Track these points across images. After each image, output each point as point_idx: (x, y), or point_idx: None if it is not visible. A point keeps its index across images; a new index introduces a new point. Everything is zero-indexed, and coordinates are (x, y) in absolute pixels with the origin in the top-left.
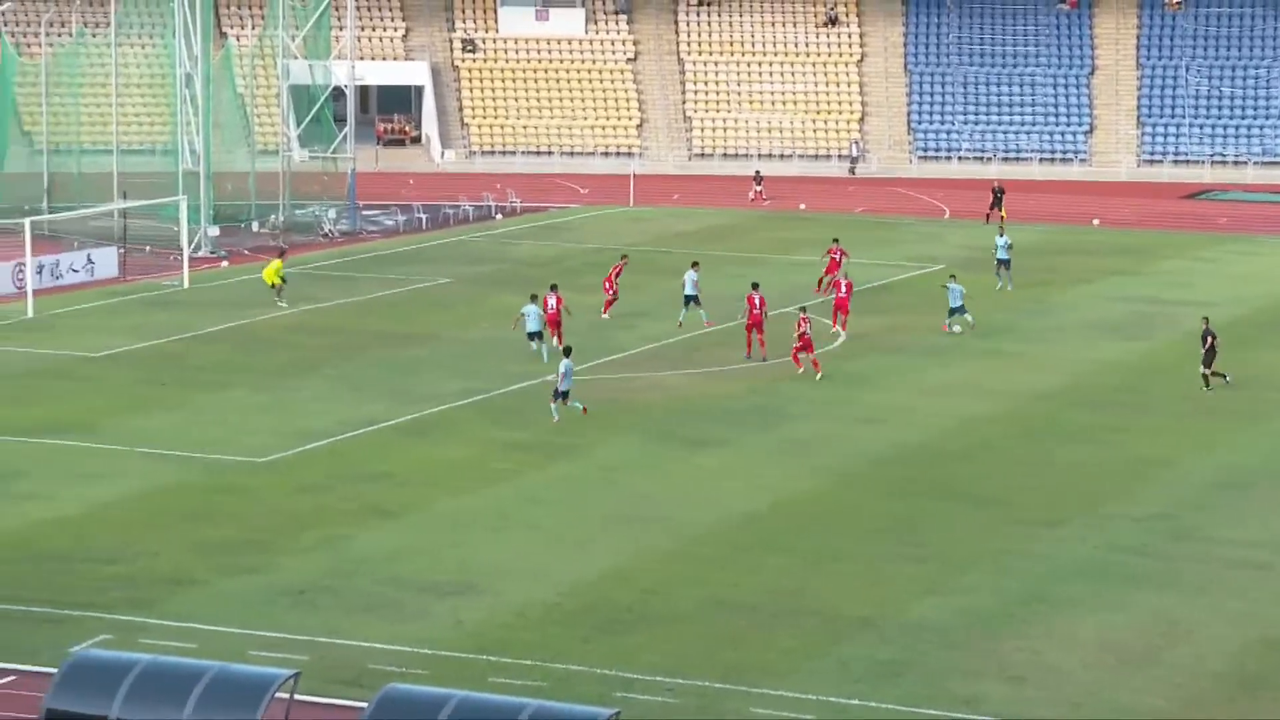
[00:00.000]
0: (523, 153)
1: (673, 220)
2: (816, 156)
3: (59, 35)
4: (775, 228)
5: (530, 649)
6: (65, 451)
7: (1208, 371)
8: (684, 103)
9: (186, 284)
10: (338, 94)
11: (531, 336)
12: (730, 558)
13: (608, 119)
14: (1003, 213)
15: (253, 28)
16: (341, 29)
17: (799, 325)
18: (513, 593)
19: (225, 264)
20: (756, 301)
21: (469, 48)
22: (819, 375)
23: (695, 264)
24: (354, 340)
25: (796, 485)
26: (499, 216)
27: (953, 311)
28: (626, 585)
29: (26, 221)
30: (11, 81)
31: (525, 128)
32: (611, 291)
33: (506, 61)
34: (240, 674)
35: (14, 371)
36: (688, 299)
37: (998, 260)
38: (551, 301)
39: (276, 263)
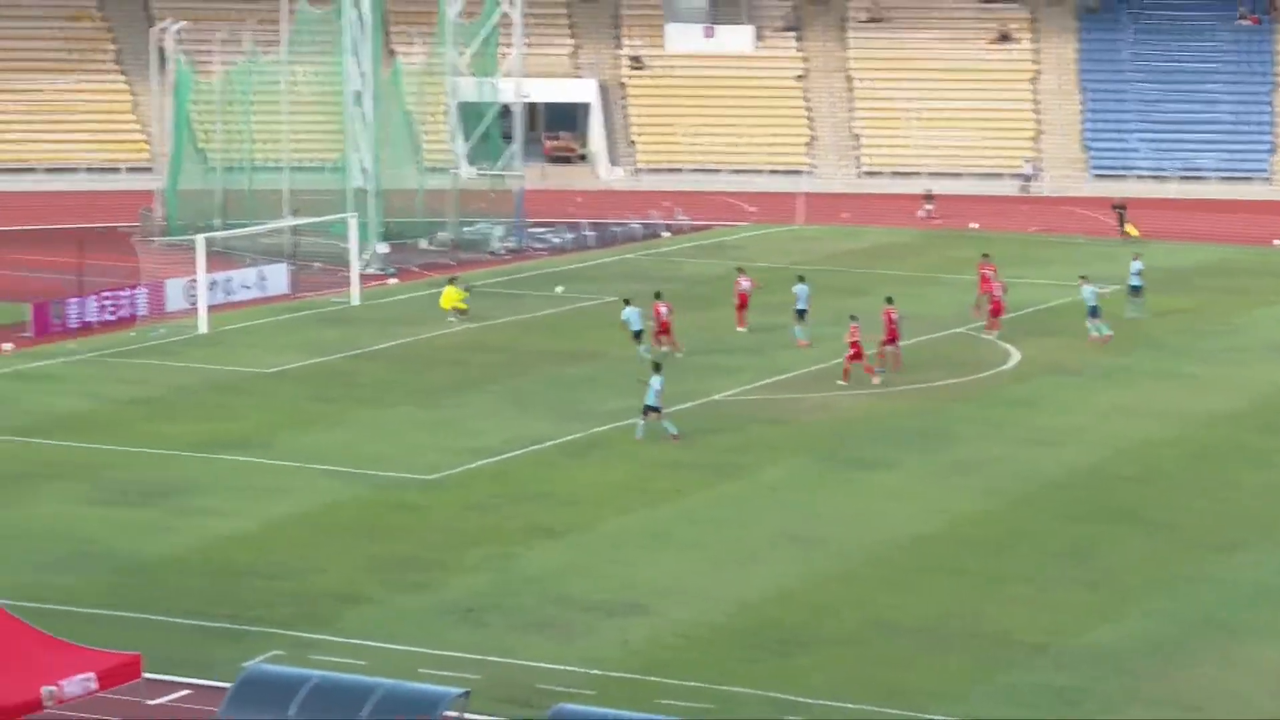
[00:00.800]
0: (690, 170)
1: (841, 239)
2: (988, 175)
3: (232, 55)
4: (945, 247)
5: (697, 670)
6: (241, 467)
7: None
8: (853, 120)
9: (356, 301)
10: (505, 111)
11: (636, 336)
12: (898, 580)
13: (776, 136)
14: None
15: (421, 45)
16: (509, 46)
17: (851, 334)
18: (678, 613)
19: (394, 281)
20: (893, 318)
21: (636, 65)
22: (876, 380)
23: (802, 278)
24: (520, 358)
25: (965, 507)
26: (666, 234)
27: (1092, 313)
28: (793, 606)
29: (200, 238)
30: (187, 100)
31: (693, 145)
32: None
33: (674, 79)
34: (410, 692)
35: (189, 387)
36: (800, 313)
37: (1130, 287)
38: (663, 310)
39: (452, 290)
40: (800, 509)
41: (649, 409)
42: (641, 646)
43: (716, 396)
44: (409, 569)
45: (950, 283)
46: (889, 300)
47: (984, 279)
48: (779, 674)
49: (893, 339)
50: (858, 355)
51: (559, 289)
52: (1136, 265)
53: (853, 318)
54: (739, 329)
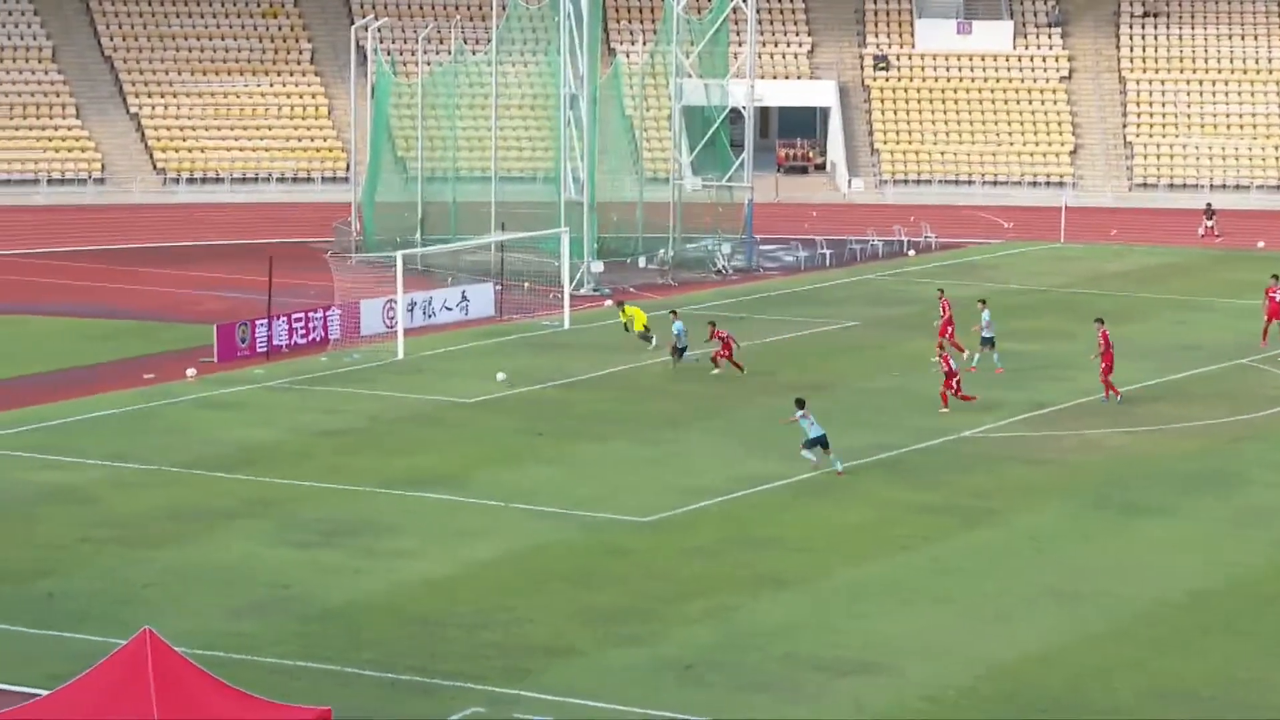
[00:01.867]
0: (939, 182)
1: (1108, 259)
2: (1278, 188)
3: (436, 53)
4: (1228, 268)
5: None
6: (437, 506)
7: None
8: (1124, 126)
9: (567, 324)
10: (735, 116)
11: (679, 353)
12: (1176, 641)
13: (1037, 145)
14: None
15: (643, 44)
16: (741, 45)
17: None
18: (921, 674)
19: (609, 303)
20: (1106, 340)
21: (881, 65)
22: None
23: (983, 301)
24: (747, 389)
25: (1253, 560)
26: (911, 253)
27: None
28: (1054, 670)
29: (399, 255)
30: (387, 104)
31: (943, 154)
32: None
33: (924, 80)
34: None
35: (383, 418)
36: (985, 341)
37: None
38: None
39: (638, 310)
40: (1063, 560)
41: (811, 442)
42: (879, 711)
43: (966, 433)
44: (622, 620)
45: (1232, 308)
46: (1099, 321)
47: (1273, 303)
48: None
49: (1108, 364)
50: (949, 382)
51: (500, 377)
52: None
53: (941, 347)
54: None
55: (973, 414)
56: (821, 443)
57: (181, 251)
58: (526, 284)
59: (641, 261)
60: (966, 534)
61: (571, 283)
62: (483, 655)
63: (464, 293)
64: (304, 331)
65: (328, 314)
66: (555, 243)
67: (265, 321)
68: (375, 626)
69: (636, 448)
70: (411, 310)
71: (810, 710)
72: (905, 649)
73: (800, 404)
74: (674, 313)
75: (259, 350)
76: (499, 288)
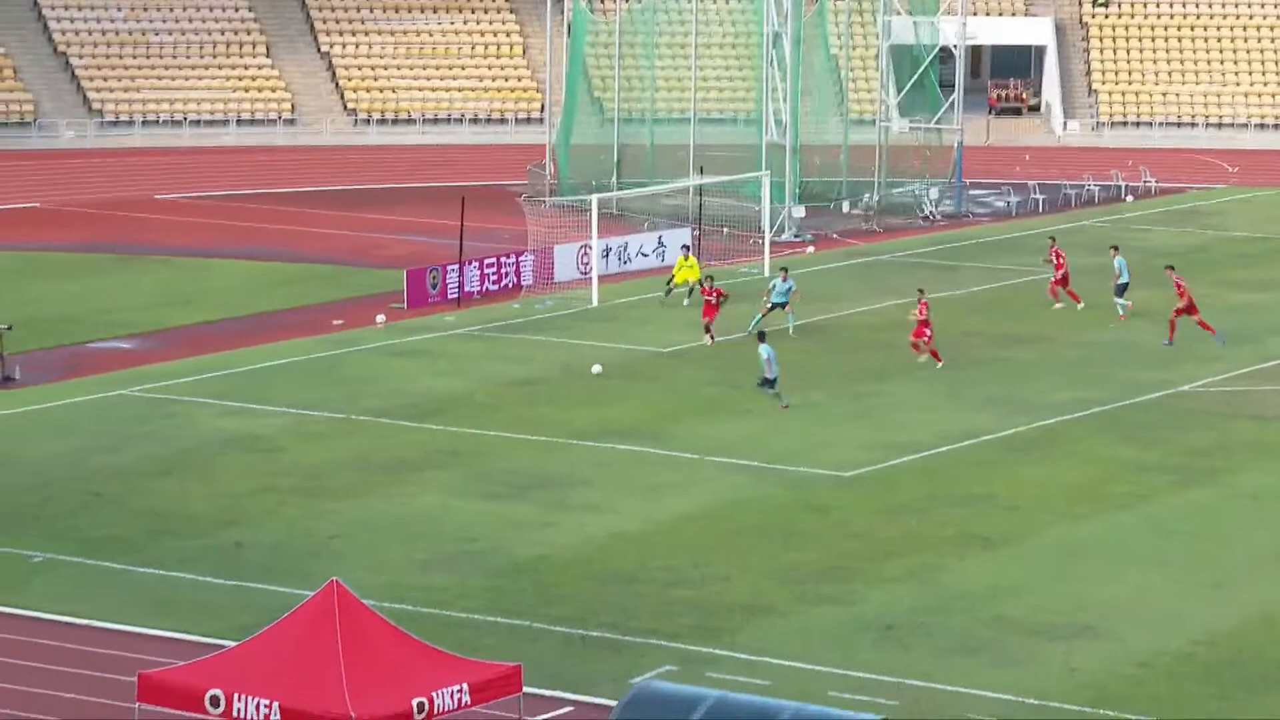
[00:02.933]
0: (1160, 124)
1: None
2: None
3: None
4: None
5: (1156, 705)
6: (630, 459)
7: None
8: None
9: (767, 271)
10: (945, 55)
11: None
12: None
13: (1265, 84)
14: None
15: None
16: None
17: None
18: (1137, 639)
19: (811, 249)
20: (1182, 285)
21: (1101, 1)
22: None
23: (1115, 248)
24: (954, 340)
25: None
26: (1129, 199)
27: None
28: (1278, 637)
29: (594, 199)
30: (583, 42)
31: (1164, 95)
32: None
33: (1145, 17)
34: (822, 716)
35: (577, 367)
36: (1120, 288)
37: None
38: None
39: (692, 261)
40: None
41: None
42: (1091, 676)
43: (1184, 388)
44: (821, 579)
45: None
46: (1170, 268)
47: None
48: (1260, 713)
49: (1190, 308)
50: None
51: (596, 369)
52: None
53: (920, 290)
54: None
55: (1191, 365)
56: (770, 385)
57: (371, 194)
58: (726, 229)
59: (845, 207)
60: (1185, 493)
61: (772, 229)
62: (676, 613)
63: (660, 238)
64: (496, 278)
65: (521, 259)
66: (756, 187)
67: (456, 267)
68: (566, 582)
69: (837, 401)
70: (606, 256)
71: (1019, 675)
72: (1120, 613)
73: (761, 337)
74: (784, 270)
75: (450, 297)
76: (697, 233)
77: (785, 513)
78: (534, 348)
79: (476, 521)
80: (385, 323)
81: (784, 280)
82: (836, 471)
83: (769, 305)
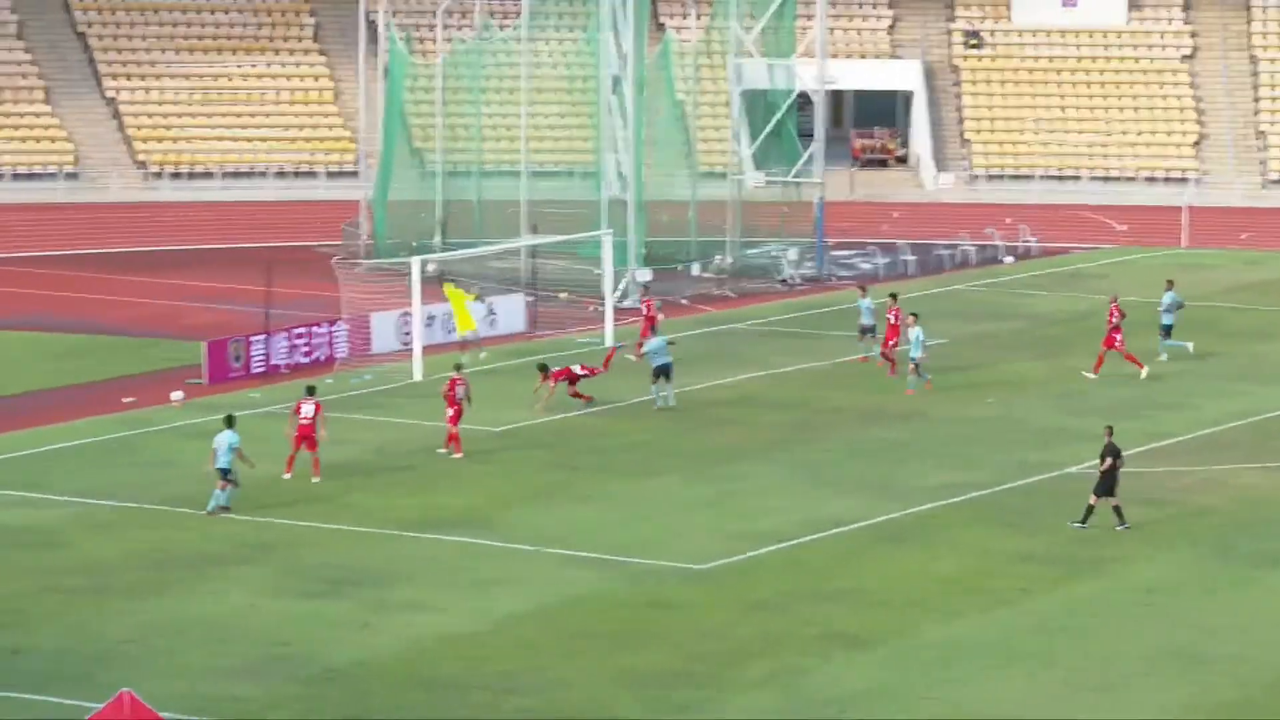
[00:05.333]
0: (1041, 177)
1: (1241, 269)
2: None
3: (458, 29)
4: None
5: None
6: (459, 551)
7: None
8: (1257, 113)
9: (609, 341)
10: (804, 102)
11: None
12: None
13: (1154, 135)
14: None
15: (697, 18)
16: (810, 19)
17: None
18: None
19: (660, 317)
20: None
21: (973, 42)
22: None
23: (914, 315)
24: (816, 417)
25: None
26: (1008, 260)
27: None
28: None
29: (415, 261)
30: (401, 86)
31: (1045, 145)
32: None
33: (1022, 60)
34: None
35: (396, 449)
36: (1166, 329)
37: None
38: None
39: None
40: (1185, 619)
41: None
42: None
43: (1071, 469)
44: (672, 684)
45: None
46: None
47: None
48: None
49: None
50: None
51: (563, 296)
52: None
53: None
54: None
55: (1076, 445)
56: (665, 372)
57: (166, 257)
58: (563, 295)
59: (695, 269)
60: (1072, 586)
61: (615, 293)
62: None
63: (490, 306)
64: (307, 349)
65: (334, 329)
66: (596, 247)
67: (262, 338)
68: (387, 690)
69: (688, 485)
70: (430, 325)
71: None
72: (1002, 718)
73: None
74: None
75: (255, 370)
76: (531, 299)
77: (631, 610)
78: (350, 428)
79: (287, 623)
80: (183, 400)
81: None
82: (689, 564)
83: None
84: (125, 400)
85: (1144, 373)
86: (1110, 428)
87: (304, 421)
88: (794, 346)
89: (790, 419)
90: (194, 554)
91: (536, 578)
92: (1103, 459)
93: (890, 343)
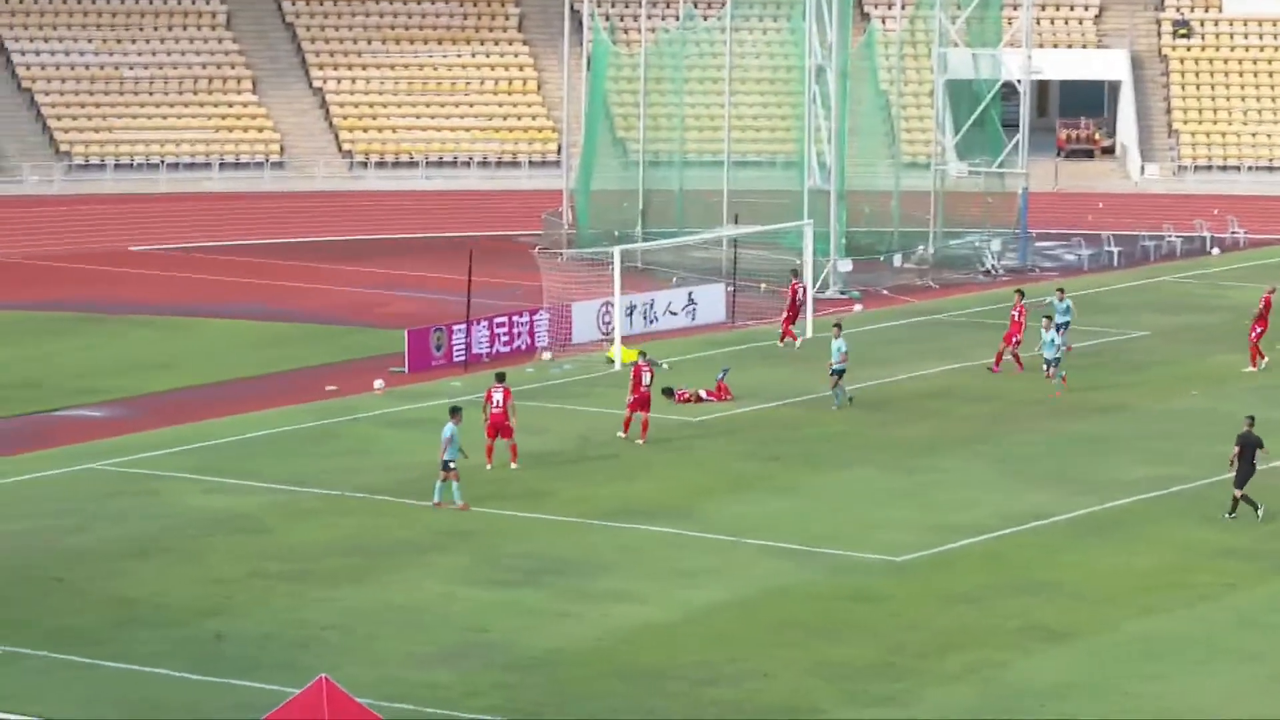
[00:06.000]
0: (1249, 168)
1: None
2: None
3: (662, 19)
4: None
5: None
6: (657, 541)
7: None
8: None
9: (809, 332)
10: (1008, 91)
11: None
12: None
13: None
14: None
15: (902, 7)
16: (1016, 8)
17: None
18: None
19: (859, 307)
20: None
21: (1183, 31)
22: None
23: (837, 325)
24: (1016, 409)
25: None
26: (1215, 251)
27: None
28: None
29: (616, 250)
30: (604, 77)
31: (1254, 136)
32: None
33: (1232, 49)
34: None
35: (598, 438)
36: (836, 371)
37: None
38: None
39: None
40: None
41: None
42: None
43: (1276, 463)
44: (872, 676)
45: None
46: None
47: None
48: None
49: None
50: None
51: (763, 287)
52: None
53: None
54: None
55: None
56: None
57: (369, 245)
58: (764, 285)
59: (897, 260)
60: (1276, 582)
61: (816, 284)
62: (710, 714)
63: (690, 294)
64: (508, 338)
65: (535, 318)
66: (797, 238)
67: (464, 326)
68: (585, 679)
69: (887, 476)
70: (630, 314)
71: None
72: (1208, 715)
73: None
74: (837, 326)
75: (456, 359)
76: (731, 289)
77: (830, 602)
78: (549, 416)
79: (485, 610)
80: (384, 388)
81: (836, 337)
82: (888, 556)
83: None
84: (328, 388)
85: (1256, 367)
86: (1252, 418)
87: (495, 410)
88: (995, 339)
89: (989, 411)
90: (392, 542)
91: (736, 568)
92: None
93: (1015, 340)
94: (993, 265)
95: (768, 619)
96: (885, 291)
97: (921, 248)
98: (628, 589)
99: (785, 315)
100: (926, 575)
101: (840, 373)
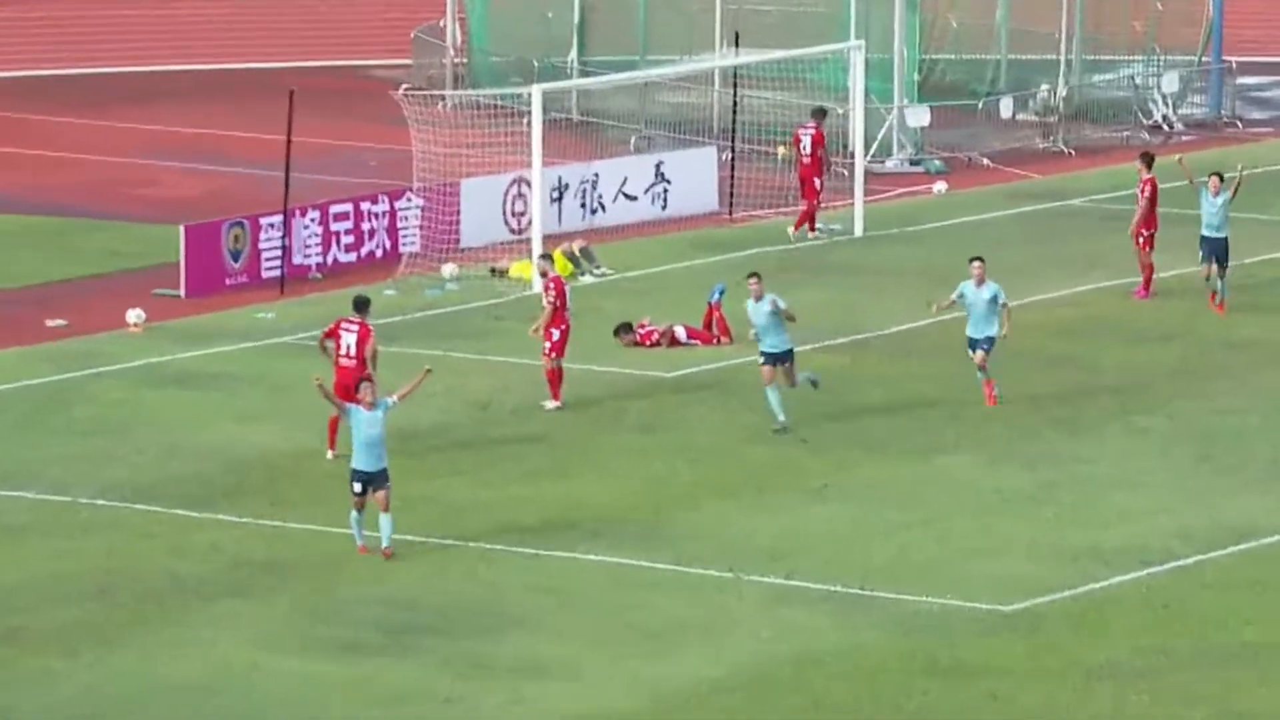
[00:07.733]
0: None
1: None
2: None
3: None
4: None
5: None
6: (603, 576)
7: None
8: None
9: (859, 229)
10: None
11: None
12: None
13: None
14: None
15: None
16: None
17: None
18: None
19: (941, 186)
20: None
21: None
22: None
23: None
24: (1206, 355)
25: None
26: None
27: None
28: None
29: (535, 90)
30: None
31: None
32: None
33: None
34: None
35: (505, 406)
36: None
37: None
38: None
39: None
40: None
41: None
42: None
43: None
44: None
45: None
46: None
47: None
48: None
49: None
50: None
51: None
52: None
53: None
54: None
55: None
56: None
57: (124, 81)
58: (781, 150)
59: (1006, 107)
60: None
61: (871, 150)
62: None
63: (660, 166)
64: (353, 240)
65: (398, 205)
66: (839, 69)
67: (279, 219)
68: None
69: (991, 467)
70: (559, 199)
71: None
72: None
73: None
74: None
75: (268, 274)
76: (726, 155)
77: (897, 680)
78: (422, 367)
79: (312, 694)
80: (144, 323)
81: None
82: (994, 605)
83: None
84: (50, 323)
85: None
86: None
87: (345, 360)
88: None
89: (1162, 358)
90: (162, 578)
91: (734, 624)
92: None
93: (1147, 232)
94: (1165, 114)
95: (789, 709)
96: (986, 161)
97: (1046, 87)
98: (554, 657)
99: (805, 186)
100: (1057, 635)
101: (778, 357)
